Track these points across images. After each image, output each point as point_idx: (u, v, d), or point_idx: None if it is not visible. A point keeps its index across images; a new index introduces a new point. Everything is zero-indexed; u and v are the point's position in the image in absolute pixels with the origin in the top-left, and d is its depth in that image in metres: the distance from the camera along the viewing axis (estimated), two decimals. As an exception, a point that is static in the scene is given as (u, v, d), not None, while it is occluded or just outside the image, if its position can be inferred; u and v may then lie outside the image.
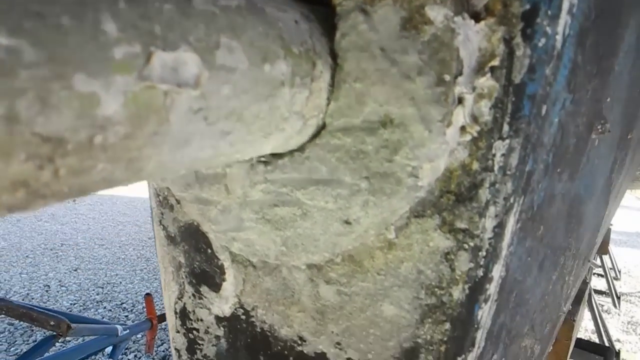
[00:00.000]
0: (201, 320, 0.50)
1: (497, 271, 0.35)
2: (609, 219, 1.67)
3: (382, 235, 0.34)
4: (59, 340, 3.37)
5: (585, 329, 6.14)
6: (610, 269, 6.48)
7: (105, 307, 5.66)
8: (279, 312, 0.43)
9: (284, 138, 0.31)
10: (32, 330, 4.95)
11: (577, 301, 3.69)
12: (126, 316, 5.45)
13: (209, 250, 0.47)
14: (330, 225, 0.35)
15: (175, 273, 0.51)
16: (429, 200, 0.33)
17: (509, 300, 0.41)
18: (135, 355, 4.68)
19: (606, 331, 4.88)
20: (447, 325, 0.35)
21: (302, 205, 0.35)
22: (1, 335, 4.80)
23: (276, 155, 0.35)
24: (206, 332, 0.50)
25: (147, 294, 4.62)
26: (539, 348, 0.78)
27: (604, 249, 4.86)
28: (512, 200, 0.32)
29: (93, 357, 3.89)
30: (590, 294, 4.78)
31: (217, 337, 0.49)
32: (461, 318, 0.34)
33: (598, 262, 5.53)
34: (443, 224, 0.33)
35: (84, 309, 5.48)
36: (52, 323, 3.14)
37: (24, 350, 4.50)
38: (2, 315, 5.05)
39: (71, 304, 5.60)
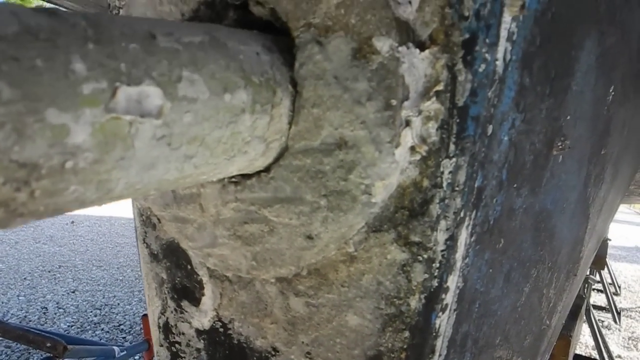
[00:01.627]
0: (183, 334, 0.52)
1: (453, 282, 0.37)
2: (597, 233, 1.69)
3: (343, 249, 0.36)
4: (56, 362, 3.35)
5: (585, 345, 6.11)
6: (610, 284, 6.47)
7: (102, 329, 5.63)
8: (253, 324, 0.45)
9: (248, 160, 0.34)
10: (29, 352, 4.92)
11: (573, 317, 3.68)
12: (124, 337, 5.42)
13: (189, 267, 0.49)
14: (294, 240, 0.37)
15: (158, 289, 0.53)
16: (385, 215, 0.35)
17: (471, 310, 0.43)
18: (134, 377, 4.63)
19: (606, 347, 4.86)
20: (407, 334, 0.37)
21: (269, 222, 0.38)
22: (20, 351, 4.79)
23: (245, 176, 0.38)
24: (187, 345, 0.52)
25: (145, 315, 4.60)
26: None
27: (600, 264, 4.87)
28: (462, 214, 0.35)
29: (91, 379, 3.87)
30: (588, 310, 4.77)
31: (198, 350, 0.51)
32: (419, 326, 0.37)
33: (597, 277, 5.53)
34: (399, 237, 0.35)
35: (81, 330, 5.46)
36: (48, 345, 3.12)
37: (21, 373, 4.48)
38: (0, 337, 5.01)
39: (69, 325, 5.57)
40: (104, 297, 6.57)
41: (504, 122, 0.36)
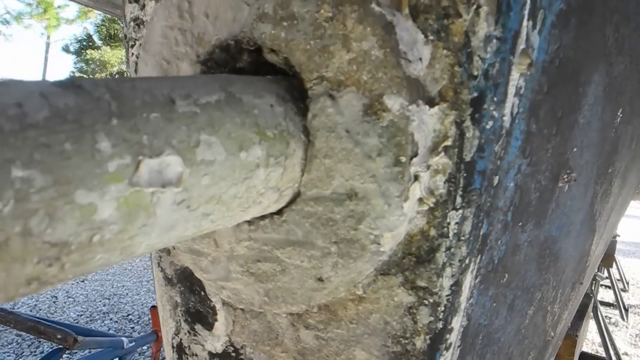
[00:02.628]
0: (196, 355, 0.54)
1: (457, 322, 0.38)
2: (605, 237, 1.69)
3: (352, 290, 0.38)
4: (66, 352, 3.40)
5: (592, 342, 6.11)
6: (618, 280, 6.44)
7: (111, 319, 5.69)
8: (264, 351, 0.47)
9: (262, 208, 0.35)
10: (39, 341, 4.98)
11: (580, 316, 3.68)
12: (132, 327, 5.48)
13: (202, 293, 0.51)
14: (305, 282, 0.38)
15: (172, 311, 0.55)
16: (393, 260, 0.37)
17: (474, 344, 0.44)
18: (142, 368, 4.70)
19: (613, 344, 4.85)
20: (412, 372, 0.38)
21: (281, 262, 0.39)
22: (9, 347, 4.85)
23: (259, 217, 0.39)
24: (200, 366, 0.54)
25: (153, 307, 4.64)
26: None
27: (608, 262, 4.85)
28: (467, 261, 0.36)
29: (100, 368, 3.91)
30: (596, 307, 4.76)
31: (210, 373, 0.53)
32: (424, 365, 0.38)
33: (605, 274, 5.51)
34: (406, 281, 0.37)
35: (90, 320, 5.52)
36: (59, 336, 3.17)
37: (32, 361, 4.54)
38: (10, 327, 5.08)
39: (78, 315, 5.63)
40: (112, 287, 6.63)
41: (510, 170, 0.37)
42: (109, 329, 5.22)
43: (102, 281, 6.80)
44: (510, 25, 0.32)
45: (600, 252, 1.80)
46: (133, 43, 0.50)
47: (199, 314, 0.52)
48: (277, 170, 0.34)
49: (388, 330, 0.38)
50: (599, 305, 4.99)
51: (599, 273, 4.68)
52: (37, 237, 0.21)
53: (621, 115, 0.73)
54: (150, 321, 4.51)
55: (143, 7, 0.49)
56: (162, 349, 4.60)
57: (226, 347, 0.50)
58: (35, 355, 4.70)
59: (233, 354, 0.50)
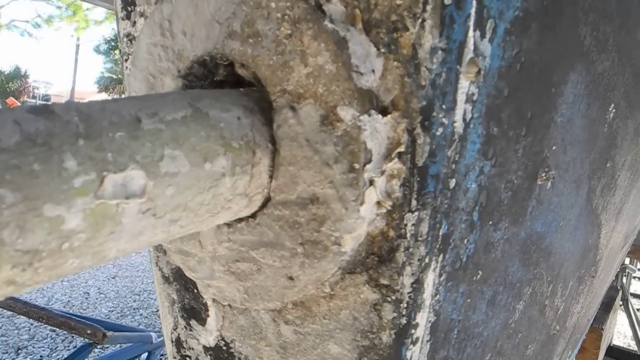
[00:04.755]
0: (192, 349, 0.57)
1: (423, 318, 0.40)
2: (625, 230, 1.67)
3: (321, 289, 0.40)
4: (96, 347, 3.50)
5: (624, 335, 5.98)
6: (652, 272, 6.29)
7: (141, 314, 5.82)
8: (251, 345, 0.50)
9: (232, 213, 0.38)
10: (73, 337, 5.13)
11: (606, 309, 3.61)
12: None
13: (195, 290, 0.54)
14: (278, 280, 0.41)
15: (170, 307, 0.58)
16: (357, 260, 0.39)
17: (448, 338, 0.46)
18: (171, 362, 4.77)
19: (644, 337, 4.74)
20: (381, 364, 0.41)
21: (257, 262, 0.42)
22: (44, 341, 5.01)
23: (236, 220, 0.42)
24: (196, 359, 0.57)
25: (181, 302, 4.68)
26: (523, 367, 0.83)
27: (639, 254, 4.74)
28: (427, 260, 0.38)
29: (129, 363, 4.01)
30: (626, 299, 4.66)
31: (205, 365, 0.56)
32: (391, 358, 0.40)
33: (638, 266, 5.38)
34: (370, 279, 0.39)
35: (121, 315, 5.66)
36: (88, 332, 3.27)
37: (65, 355, 4.66)
38: (43, 323, 5.23)
39: (109, 310, 5.78)
40: (142, 283, 6.76)
41: (469, 173, 0.39)
42: (139, 324, 5.34)
43: (132, 278, 6.94)
44: (455, 37, 0.34)
45: (619, 245, 1.77)
46: (127, 57, 0.54)
47: (194, 310, 0.55)
48: (243, 178, 0.36)
49: (357, 325, 0.41)
50: (629, 297, 4.89)
51: (630, 265, 4.58)
52: (10, 246, 0.24)
53: (614, 110, 0.73)
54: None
55: (134, 24, 0.52)
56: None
57: (218, 341, 0.53)
58: (68, 349, 4.84)
59: (224, 348, 0.53)
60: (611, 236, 1.34)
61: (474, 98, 0.37)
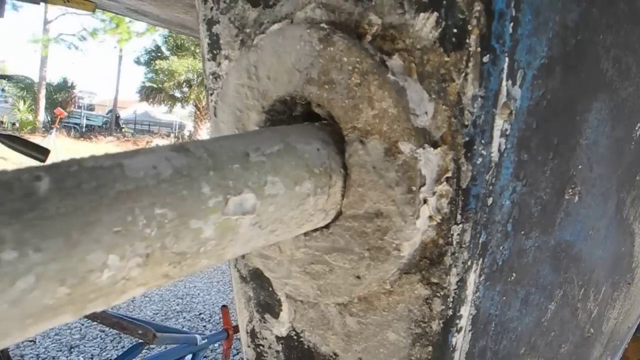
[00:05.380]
0: (265, 338, 0.67)
1: (466, 311, 0.49)
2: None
3: (382, 286, 0.50)
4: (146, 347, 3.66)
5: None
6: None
7: (184, 317, 5.99)
8: (319, 334, 0.59)
9: (312, 225, 0.48)
10: (121, 337, 5.32)
11: (652, 317, 3.55)
12: (204, 326, 5.74)
13: (270, 288, 0.64)
14: (347, 279, 0.51)
15: (246, 303, 0.68)
16: (412, 262, 0.48)
17: (487, 330, 0.55)
18: (213, 364, 4.92)
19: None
20: (430, 348, 0.50)
21: (329, 264, 0.52)
22: (94, 341, 5.22)
23: (312, 230, 0.52)
24: (269, 347, 0.67)
25: (224, 306, 4.87)
26: (557, 365, 0.90)
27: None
28: (469, 263, 0.47)
29: (174, 364, 4.15)
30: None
31: (277, 352, 0.66)
32: (439, 343, 0.49)
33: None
34: (423, 278, 0.48)
35: (165, 318, 5.84)
36: (140, 332, 3.43)
37: (114, 355, 4.85)
38: (96, 323, 5.47)
39: (154, 313, 5.98)
40: (185, 288, 6.95)
41: (503, 192, 0.48)
42: (183, 327, 5.50)
43: (175, 283, 7.14)
44: (491, 87, 0.43)
45: None
46: (212, 92, 0.64)
47: (268, 306, 0.65)
48: (322, 197, 0.46)
49: (411, 316, 0.50)
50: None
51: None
52: (169, 250, 0.35)
53: (640, 129, 0.80)
54: (221, 320, 4.75)
55: (219, 64, 0.63)
56: (232, 346, 4.82)
57: (289, 331, 0.63)
58: (117, 349, 5.03)
59: (295, 337, 0.63)
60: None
61: (507, 133, 0.46)
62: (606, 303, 1.13)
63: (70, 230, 0.29)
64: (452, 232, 0.46)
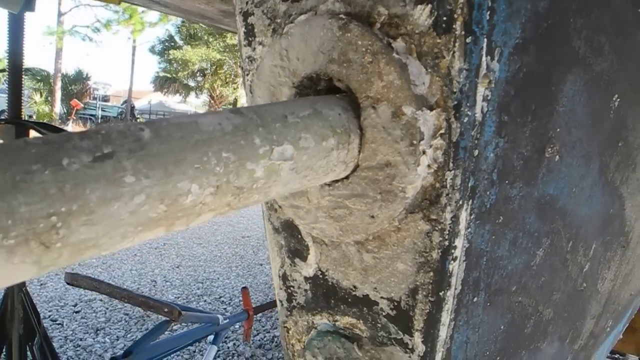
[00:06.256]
0: (295, 280, 0.81)
1: (460, 242, 0.62)
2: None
3: (392, 223, 0.63)
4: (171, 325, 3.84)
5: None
6: None
7: (205, 300, 6.17)
8: (341, 271, 0.72)
9: (335, 174, 0.60)
10: (144, 320, 5.51)
11: (660, 290, 3.64)
12: (225, 308, 5.90)
13: (299, 236, 0.77)
14: (364, 219, 0.63)
15: (278, 251, 0.82)
16: (415, 203, 0.61)
17: (479, 262, 0.67)
18: (234, 344, 5.11)
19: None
20: (431, 274, 0.62)
21: (349, 207, 0.64)
22: (119, 324, 5.41)
23: (334, 181, 0.65)
24: (298, 287, 0.80)
25: (244, 288, 5.04)
26: (550, 312, 1.02)
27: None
28: (460, 202, 0.60)
29: (197, 343, 4.33)
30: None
31: (305, 290, 0.79)
32: (439, 269, 0.62)
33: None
34: (424, 216, 0.61)
35: (186, 301, 6.03)
36: (165, 310, 3.59)
37: (139, 337, 5.03)
38: (121, 306, 5.66)
39: (175, 297, 6.17)
40: (204, 272, 7.13)
41: (488, 146, 0.60)
42: (204, 309, 5.68)
43: (195, 267, 7.30)
44: (473, 62, 0.55)
45: None
46: (247, 72, 0.77)
47: (297, 251, 0.78)
48: (343, 151, 0.59)
49: (416, 248, 0.63)
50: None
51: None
52: (231, 184, 0.48)
53: (619, 99, 0.91)
54: (242, 302, 4.91)
55: (254, 49, 0.76)
56: (252, 327, 4.97)
57: (316, 272, 0.76)
58: (141, 331, 5.21)
59: (320, 276, 0.76)
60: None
61: (489, 98, 0.58)
62: (599, 261, 1.25)
63: (167, 165, 0.42)
64: (446, 177, 0.58)
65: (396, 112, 0.57)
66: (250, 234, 9.18)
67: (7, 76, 2.42)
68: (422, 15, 0.56)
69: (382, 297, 0.68)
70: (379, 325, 0.69)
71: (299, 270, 0.79)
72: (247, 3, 0.74)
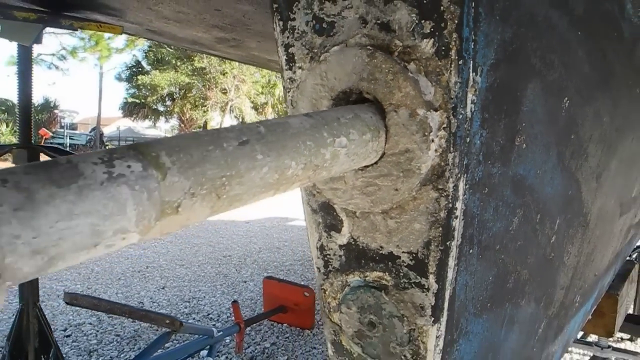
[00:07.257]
0: (331, 249, 1.04)
1: (459, 205, 0.87)
2: (613, 194, 2.06)
3: (411, 194, 0.87)
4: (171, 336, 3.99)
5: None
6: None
7: (194, 318, 6.29)
8: (370, 236, 0.96)
9: (369, 160, 0.85)
10: (135, 339, 5.59)
11: (622, 278, 4.00)
12: (214, 325, 6.04)
13: (334, 213, 1.01)
14: (389, 192, 0.88)
15: (316, 227, 1.05)
16: (427, 178, 0.85)
17: (472, 223, 0.92)
18: (227, 357, 5.25)
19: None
20: (440, 229, 0.87)
21: (378, 185, 0.89)
22: (111, 345, 5.49)
23: (365, 166, 0.89)
24: (334, 254, 1.04)
25: (234, 302, 5.23)
26: (526, 273, 1.28)
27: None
28: (459, 175, 0.84)
29: (191, 359, 4.48)
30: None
31: (340, 256, 1.03)
32: (445, 225, 0.87)
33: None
34: (434, 187, 0.85)
35: (176, 320, 6.12)
36: (167, 321, 3.75)
37: (132, 356, 5.13)
38: (111, 327, 5.75)
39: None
40: (190, 292, 7.23)
41: (475, 135, 0.86)
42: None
43: (180, 287, 7.40)
44: (464, 77, 0.80)
45: (614, 209, 2.15)
46: (288, 90, 1.01)
47: (333, 225, 1.02)
48: (375, 143, 0.83)
49: (428, 210, 0.87)
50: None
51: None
52: (312, 163, 0.71)
53: (568, 101, 1.19)
54: (230, 317, 5.04)
55: (294, 72, 1.00)
56: (243, 339, 5.13)
57: (349, 240, 1.00)
58: (134, 350, 5.30)
59: (352, 242, 1.00)
60: (596, 195, 1.76)
61: (475, 101, 0.83)
62: (563, 235, 1.52)
63: (278, 148, 0.66)
64: (448, 158, 0.83)
65: (412, 113, 0.82)
66: (231, 253, 9.31)
67: (17, 105, 2.61)
68: (427, 46, 0.81)
69: (403, 252, 0.92)
70: (401, 274, 0.93)
71: (334, 241, 1.03)
72: (288, 37, 0.99)
